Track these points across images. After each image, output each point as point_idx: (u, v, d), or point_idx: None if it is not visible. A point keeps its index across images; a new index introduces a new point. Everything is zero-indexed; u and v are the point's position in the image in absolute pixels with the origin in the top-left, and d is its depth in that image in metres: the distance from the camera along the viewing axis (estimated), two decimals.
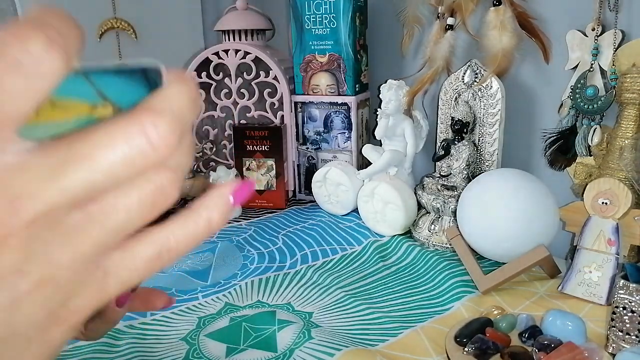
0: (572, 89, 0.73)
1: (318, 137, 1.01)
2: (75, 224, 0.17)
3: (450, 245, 0.74)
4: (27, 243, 0.16)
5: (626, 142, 0.66)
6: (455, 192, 0.77)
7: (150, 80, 0.18)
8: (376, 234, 0.84)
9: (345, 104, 0.97)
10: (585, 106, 0.71)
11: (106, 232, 0.17)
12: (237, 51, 1.00)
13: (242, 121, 1.05)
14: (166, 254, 0.20)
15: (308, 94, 1.00)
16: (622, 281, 0.50)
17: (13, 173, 0.15)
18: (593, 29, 0.70)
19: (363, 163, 0.97)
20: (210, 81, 1.04)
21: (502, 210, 0.65)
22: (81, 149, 0.16)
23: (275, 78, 0.99)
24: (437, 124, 0.86)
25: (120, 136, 0.16)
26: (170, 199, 0.19)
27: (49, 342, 0.18)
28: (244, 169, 1.00)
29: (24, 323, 0.17)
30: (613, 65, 0.68)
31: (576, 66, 0.74)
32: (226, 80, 1.03)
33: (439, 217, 0.80)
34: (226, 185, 0.21)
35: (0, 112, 0.15)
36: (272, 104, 1.01)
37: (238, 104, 1.04)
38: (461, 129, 0.79)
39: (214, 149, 1.10)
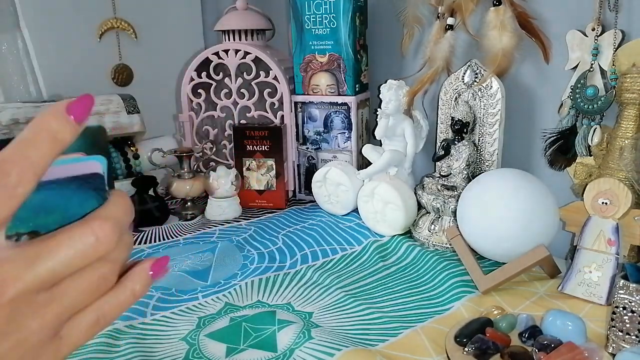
0: (572, 89, 0.73)
1: (318, 137, 1.01)
2: (42, 301, 0.23)
3: (450, 245, 0.74)
4: (9, 314, 0.22)
5: (626, 142, 0.66)
6: (455, 192, 0.77)
7: (95, 187, 0.25)
8: (376, 234, 0.84)
9: (345, 104, 0.97)
10: (585, 106, 0.71)
11: (64, 307, 0.24)
12: (237, 51, 1.00)
13: (242, 121, 1.05)
14: (102, 319, 0.26)
15: (308, 94, 1.00)
16: (622, 281, 0.50)
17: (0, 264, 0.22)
18: (593, 29, 0.70)
19: (363, 163, 0.97)
20: (210, 81, 1.04)
21: (502, 210, 0.65)
22: (49, 246, 0.23)
23: (275, 78, 0.99)
24: (437, 124, 0.86)
25: (77, 237, 0.23)
26: (110, 284, 0.25)
27: None
28: (244, 169, 1.00)
29: None
30: (613, 65, 0.68)
31: (576, 66, 0.74)
32: (226, 80, 1.03)
33: (439, 217, 0.80)
34: (146, 261, 0.27)
35: None
36: (272, 104, 1.01)
37: (238, 104, 1.04)
38: (461, 129, 0.79)
39: (214, 149, 1.10)
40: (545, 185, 0.67)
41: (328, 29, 0.94)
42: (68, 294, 0.24)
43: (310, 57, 0.97)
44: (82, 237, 0.23)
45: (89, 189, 0.25)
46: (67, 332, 0.25)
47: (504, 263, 0.65)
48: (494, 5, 0.75)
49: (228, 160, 1.08)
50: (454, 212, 0.76)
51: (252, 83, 1.01)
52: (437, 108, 0.86)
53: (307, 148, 1.03)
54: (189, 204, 0.98)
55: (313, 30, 0.96)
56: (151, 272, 0.27)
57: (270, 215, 0.97)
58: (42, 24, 1.04)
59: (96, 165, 0.25)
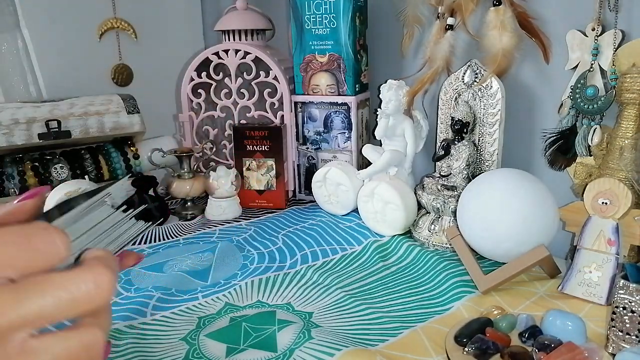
0: (572, 89, 0.73)
1: (318, 137, 1.01)
2: (16, 351, 0.20)
3: (450, 245, 0.74)
4: None
5: (626, 142, 0.66)
6: (455, 192, 0.77)
7: None
8: (376, 234, 0.84)
9: (345, 104, 0.97)
10: (585, 106, 0.71)
11: None
12: (237, 51, 1.00)
13: (242, 121, 1.05)
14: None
15: (308, 94, 1.00)
16: (622, 281, 0.50)
17: None
18: (593, 29, 0.70)
19: (363, 163, 0.97)
20: (210, 81, 1.04)
21: (502, 210, 0.65)
22: (40, 286, 0.20)
23: (275, 78, 0.99)
24: (437, 124, 0.86)
25: (72, 280, 0.21)
26: (94, 359, 0.22)
27: None
28: (244, 169, 1.00)
29: None
30: (613, 65, 0.68)
31: (576, 66, 0.74)
32: (226, 80, 1.03)
33: (439, 217, 0.80)
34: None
35: None
36: (272, 104, 1.01)
37: (238, 104, 1.04)
38: (461, 129, 0.79)
39: (214, 149, 1.10)
40: (545, 185, 0.67)
41: (328, 29, 0.94)
42: (42, 354, 0.21)
43: (310, 57, 0.97)
44: (80, 281, 0.21)
45: None
46: None
47: (504, 263, 0.65)
48: (494, 5, 0.75)
49: (228, 160, 1.08)
50: (454, 212, 0.76)
51: (252, 83, 1.01)
52: (437, 108, 0.86)
53: (307, 148, 1.03)
54: (189, 204, 0.98)
55: (313, 30, 0.96)
56: None
57: (270, 215, 0.97)
58: (42, 24, 1.04)
59: None
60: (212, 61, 1.02)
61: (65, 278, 0.21)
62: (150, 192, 0.95)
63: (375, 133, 0.88)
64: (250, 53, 0.99)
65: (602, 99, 0.69)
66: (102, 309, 0.22)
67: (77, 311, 0.21)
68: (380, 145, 0.91)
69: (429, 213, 0.81)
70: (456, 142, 0.80)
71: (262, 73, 1.00)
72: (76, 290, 0.21)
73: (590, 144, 0.71)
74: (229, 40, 1.03)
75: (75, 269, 0.22)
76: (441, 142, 0.83)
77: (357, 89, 0.98)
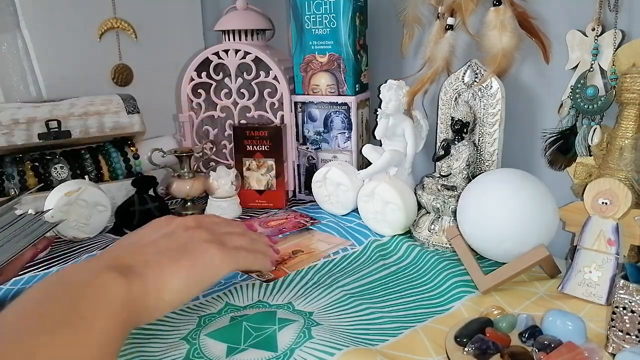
0: (572, 89, 0.73)
1: (318, 137, 1.01)
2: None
3: (450, 245, 0.74)
4: None
5: (626, 142, 0.66)
6: (455, 192, 0.77)
7: None
8: (376, 234, 0.84)
9: (345, 104, 0.97)
10: (585, 106, 0.71)
11: None
12: (237, 51, 1.00)
13: (242, 121, 1.05)
14: None
15: (308, 94, 1.00)
16: (622, 281, 0.50)
17: None
18: (593, 29, 0.70)
19: (363, 163, 0.97)
20: (210, 81, 1.04)
21: (502, 210, 0.65)
22: None
23: (275, 78, 0.99)
24: (437, 124, 0.86)
25: None
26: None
27: None
28: (244, 169, 1.00)
29: None
30: (613, 65, 0.68)
31: (576, 66, 0.74)
32: (226, 80, 1.03)
33: (439, 217, 0.80)
34: None
35: None
36: (272, 104, 1.01)
37: (238, 104, 1.04)
38: (461, 129, 0.79)
39: (214, 149, 1.10)
40: (545, 185, 0.67)
41: (328, 29, 0.95)
42: None
43: (310, 57, 0.98)
44: None
45: None
46: None
47: (504, 263, 0.65)
48: (494, 5, 0.75)
49: (228, 160, 1.08)
50: (454, 212, 0.76)
51: (252, 83, 1.01)
52: (437, 108, 0.86)
53: (307, 148, 1.03)
54: (189, 204, 0.98)
55: (313, 30, 0.96)
56: None
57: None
58: (42, 24, 1.04)
59: None
60: (212, 61, 1.02)
61: None
62: (150, 192, 0.95)
63: (375, 133, 0.88)
64: (250, 53, 0.99)
65: (602, 99, 0.69)
66: None
67: None
68: (380, 145, 0.91)
69: (429, 213, 0.81)
70: (456, 142, 0.80)
71: (262, 73, 1.00)
72: None
73: (590, 144, 0.71)
74: (229, 40, 1.03)
75: None
76: (441, 142, 0.83)
77: (357, 89, 0.98)
